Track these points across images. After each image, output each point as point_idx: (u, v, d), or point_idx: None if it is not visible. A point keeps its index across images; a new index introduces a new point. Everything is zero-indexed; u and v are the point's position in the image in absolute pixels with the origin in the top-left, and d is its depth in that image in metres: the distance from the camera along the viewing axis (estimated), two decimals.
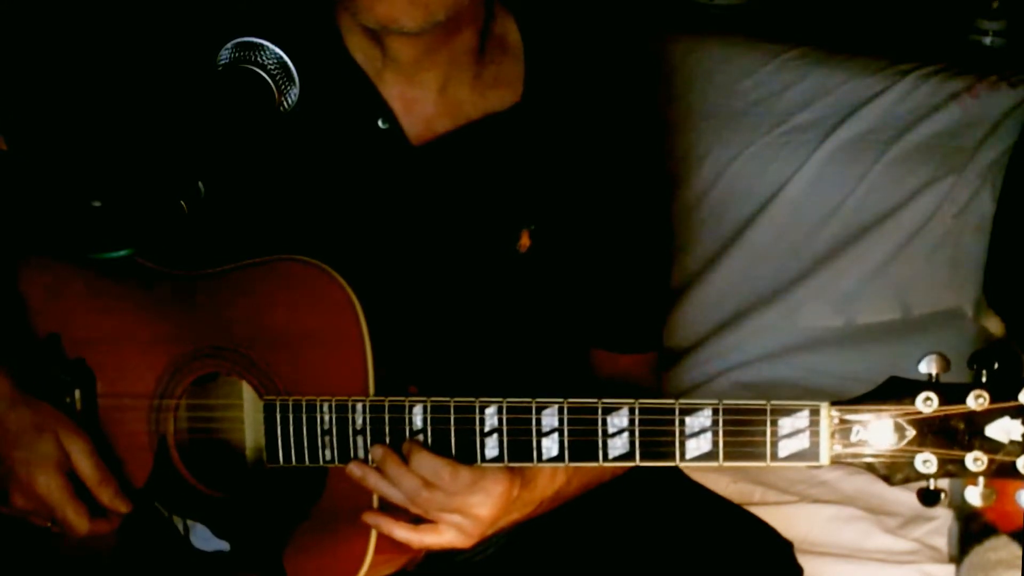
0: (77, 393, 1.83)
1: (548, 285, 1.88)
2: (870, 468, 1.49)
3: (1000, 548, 2.31)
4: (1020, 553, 2.29)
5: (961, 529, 2.42)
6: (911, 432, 1.46)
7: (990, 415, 1.44)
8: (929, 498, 1.48)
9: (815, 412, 1.50)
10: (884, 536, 2.45)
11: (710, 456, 1.53)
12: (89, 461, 1.77)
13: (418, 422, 1.64)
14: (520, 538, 1.86)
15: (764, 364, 2.77)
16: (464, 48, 1.80)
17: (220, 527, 1.79)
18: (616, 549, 1.84)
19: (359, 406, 1.66)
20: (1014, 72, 2.78)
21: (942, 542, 2.44)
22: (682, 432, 1.54)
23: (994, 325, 2.64)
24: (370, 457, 1.66)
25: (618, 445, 1.57)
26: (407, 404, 1.64)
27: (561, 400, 1.59)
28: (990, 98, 2.74)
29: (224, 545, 1.79)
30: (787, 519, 2.17)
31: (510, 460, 1.62)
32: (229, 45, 1.56)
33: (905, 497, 2.29)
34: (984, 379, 1.45)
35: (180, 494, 1.80)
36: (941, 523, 2.46)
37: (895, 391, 1.47)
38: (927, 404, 1.46)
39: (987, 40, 3.07)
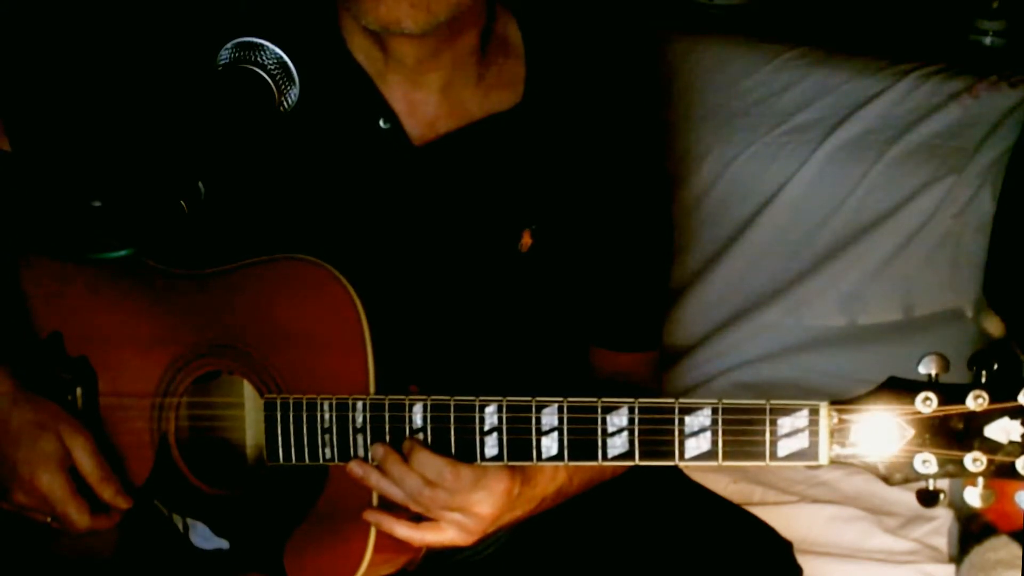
0: (78, 391, 1.84)
1: (549, 284, 1.88)
2: (869, 468, 1.49)
3: (1000, 548, 2.31)
4: (1020, 553, 2.29)
5: (961, 529, 2.42)
6: (910, 432, 1.46)
7: (989, 415, 1.44)
8: (928, 498, 1.48)
9: (814, 412, 1.50)
10: (884, 536, 2.45)
11: (709, 455, 1.53)
12: (91, 458, 1.78)
13: (418, 421, 1.64)
14: (520, 537, 1.86)
15: (764, 364, 2.77)
16: (466, 49, 1.80)
17: (220, 525, 1.79)
18: (616, 549, 1.84)
19: (359, 405, 1.66)
20: (1014, 72, 2.78)
21: (942, 542, 2.44)
22: (681, 431, 1.54)
23: (994, 325, 2.64)
24: (371, 456, 1.67)
25: (618, 444, 1.57)
26: (407, 403, 1.65)
27: (561, 399, 1.59)
28: (990, 98, 2.74)
29: (224, 543, 1.79)
30: (787, 519, 2.18)
31: (510, 459, 1.62)
32: (229, 45, 1.56)
33: (905, 497, 2.30)
34: (983, 380, 1.45)
35: (180, 492, 1.81)
36: (941, 523, 2.46)
37: (894, 391, 1.47)
38: (926, 404, 1.45)
39: (987, 40, 3.07)
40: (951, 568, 2.38)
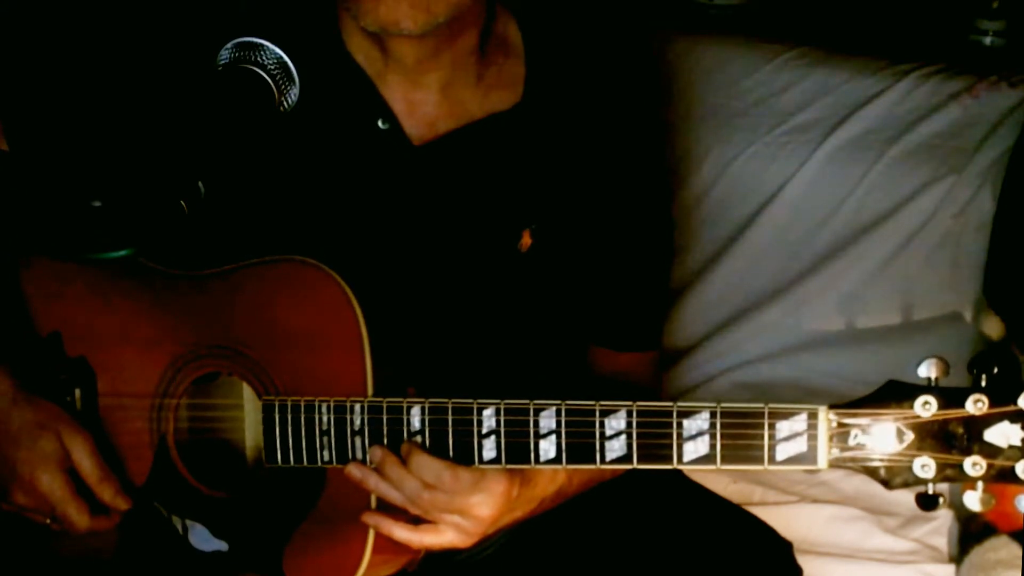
0: (77, 392, 1.84)
1: (549, 284, 1.88)
2: (868, 472, 1.48)
3: (1000, 548, 2.32)
4: (1020, 553, 2.29)
5: (961, 529, 2.42)
6: (910, 436, 1.46)
7: (989, 419, 1.43)
8: (928, 503, 1.47)
9: (813, 415, 1.49)
10: (884, 536, 2.45)
11: (708, 459, 1.53)
12: (90, 459, 1.78)
13: (416, 423, 1.64)
14: (520, 538, 1.86)
15: (764, 364, 2.77)
16: (466, 49, 1.80)
17: (219, 527, 1.79)
18: (616, 549, 1.84)
19: (357, 407, 1.66)
20: (1014, 72, 2.78)
21: (942, 542, 2.44)
22: (680, 435, 1.53)
23: (994, 325, 2.64)
24: (368, 458, 1.67)
25: (616, 447, 1.57)
26: (405, 405, 1.64)
27: (559, 402, 1.59)
28: (990, 98, 2.74)
29: (223, 545, 1.80)
30: (787, 519, 2.17)
31: (508, 462, 1.62)
32: (229, 45, 1.56)
33: (905, 497, 2.26)
34: (983, 383, 1.44)
35: (179, 493, 1.81)
36: (941, 523, 2.46)
37: (894, 394, 1.46)
38: (926, 408, 1.45)
39: (987, 40, 3.07)
40: (951, 568, 2.38)
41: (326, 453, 1.68)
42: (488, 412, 1.61)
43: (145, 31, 1.85)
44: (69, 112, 1.83)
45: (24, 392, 1.81)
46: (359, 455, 1.67)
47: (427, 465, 1.63)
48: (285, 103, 1.57)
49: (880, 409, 1.47)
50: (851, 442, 1.48)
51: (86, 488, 1.79)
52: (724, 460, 1.52)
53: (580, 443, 1.58)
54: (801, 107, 2.83)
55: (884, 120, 2.78)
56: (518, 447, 1.60)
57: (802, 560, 1.91)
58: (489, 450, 1.62)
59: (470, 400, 1.62)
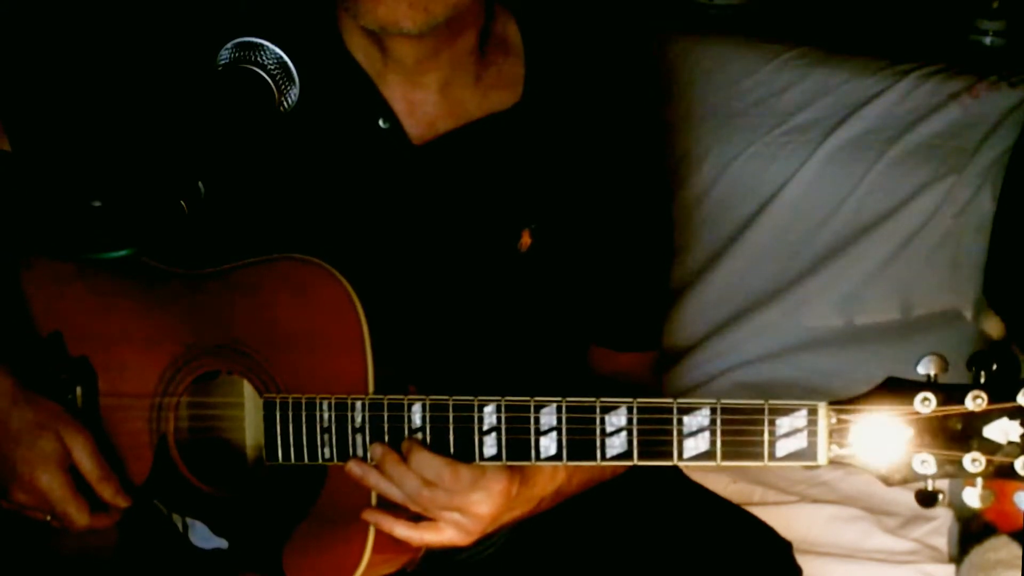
0: (78, 391, 1.84)
1: (549, 284, 1.88)
2: (868, 468, 1.48)
3: (1000, 548, 2.32)
4: (1020, 553, 2.29)
5: (961, 529, 2.42)
6: (909, 432, 1.46)
7: (988, 416, 1.43)
8: (927, 499, 1.47)
9: (813, 412, 1.49)
10: (884, 536, 2.45)
11: (708, 455, 1.53)
12: (90, 458, 1.78)
13: (417, 420, 1.64)
14: (520, 537, 1.86)
15: (764, 364, 2.77)
16: (465, 49, 1.80)
17: (219, 525, 1.79)
18: (616, 549, 1.84)
19: (358, 404, 1.66)
20: (1014, 72, 2.78)
21: (942, 542, 2.44)
22: (680, 431, 1.54)
23: (994, 325, 2.64)
24: (369, 456, 1.67)
25: (616, 444, 1.57)
26: (406, 403, 1.65)
27: (559, 399, 1.59)
28: (990, 98, 2.75)
29: (223, 543, 1.79)
30: (787, 519, 2.18)
31: (508, 459, 1.62)
32: (229, 45, 1.56)
33: (905, 497, 2.28)
34: (982, 380, 1.44)
35: (180, 492, 1.81)
36: (941, 523, 2.46)
37: (893, 391, 1.47)
38: (925, 404, 1.45)
39: (987, 40, 3.07)
40: (951, 568, 2.38)
41: (327, 451, 1.68)
42: (489, 409, 1.61)
43: (145, 31, 1.85)
44: (69, 112, 1.84)
45: (24, 391, 1.80)
46: (360, 452, 1.67)
47: (427, 462, 1.63)
48: (285, 103, 1.57)
49: (879, 405, 1.47)
50: (850, 438, 1.48)
51: (86, 486, 1.79)
52: (724, 456, 1.53)
53: (581, 440, 1.58)
54: (801, 107, 2.83)
55: (884, 120, 2.78)
56: (519, 444, 1.60)
57: (802, 560, 1.91)
58: (490, 447, 1.62)
59: (471, 397, 1.62)
